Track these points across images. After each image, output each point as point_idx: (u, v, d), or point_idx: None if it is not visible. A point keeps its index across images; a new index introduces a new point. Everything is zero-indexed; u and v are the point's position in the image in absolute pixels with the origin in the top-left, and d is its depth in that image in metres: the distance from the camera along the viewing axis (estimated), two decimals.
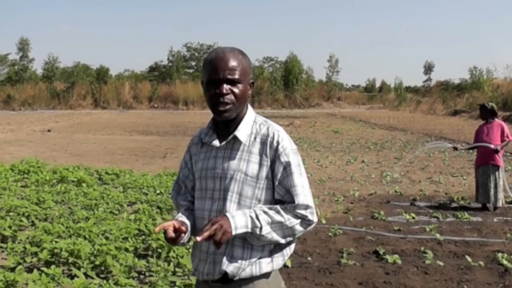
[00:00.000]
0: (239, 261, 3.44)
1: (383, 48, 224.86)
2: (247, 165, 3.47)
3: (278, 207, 3.43)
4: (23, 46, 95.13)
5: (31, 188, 14.67)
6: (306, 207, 3.47)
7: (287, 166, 3.45)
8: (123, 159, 23.60)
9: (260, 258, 3.47)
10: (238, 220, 3.30)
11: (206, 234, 3.17)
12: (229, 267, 3.44)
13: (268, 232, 3.37)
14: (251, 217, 3.35)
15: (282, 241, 3.45)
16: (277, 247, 3.54)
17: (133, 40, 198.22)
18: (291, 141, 3.56)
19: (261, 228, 3.35)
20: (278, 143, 3.47)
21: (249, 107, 3.67)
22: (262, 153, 3.47)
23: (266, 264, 3.50)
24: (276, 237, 3.41)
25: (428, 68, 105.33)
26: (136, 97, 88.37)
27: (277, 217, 3.39)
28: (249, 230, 3.33)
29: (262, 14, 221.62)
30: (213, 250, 3.50)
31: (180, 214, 3.71)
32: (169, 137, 35.53)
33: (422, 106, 79.05)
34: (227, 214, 3.32)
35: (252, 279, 3.48)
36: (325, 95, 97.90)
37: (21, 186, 15.29)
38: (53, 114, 69.04)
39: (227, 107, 3.47)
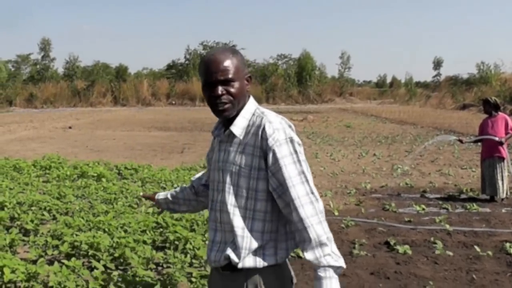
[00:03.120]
0: (240, 250, 3.45)
1: (394, 45, 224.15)
2: (241, 157, 3.46)
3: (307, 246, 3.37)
4: (45, 46, 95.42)
5: (52, 183, 14.71)
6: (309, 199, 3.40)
7: (279, 158, 3.37)
8: (142, 155, 23.62)
9: (263, 249, 3.48)
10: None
11: None
12: (231, 254, 3.47)
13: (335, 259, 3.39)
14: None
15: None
16: (280, 240, 3.54)
17: (151, 39, 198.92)
18: (286, 131, 3.45)
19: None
20: (268, 135, 3.39)
21: (251, 100, 3.64)
22: (255, 144, 3.43)
23: (269, 257, 3.49)
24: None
25: (437, 64, 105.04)
26: (154, 94, 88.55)
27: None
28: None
29: (276, 12, 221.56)
30: (218, 239, 3.58)
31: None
32: (187, 132, 35.52)
33: (432, 101, 78.95)
34: None
35: (257, 270, 3.48)
36: (337, 91, 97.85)
37: (43, 181, 15.31)
38: (74, 111, 69.28)
39: (225, 106, 3.48)
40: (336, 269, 3.34)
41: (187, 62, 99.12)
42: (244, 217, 3.47)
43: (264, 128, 3.40)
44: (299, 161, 3.41)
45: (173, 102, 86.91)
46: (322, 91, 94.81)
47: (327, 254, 3.33)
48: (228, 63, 3.46)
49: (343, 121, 45.35)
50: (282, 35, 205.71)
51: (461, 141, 14.69)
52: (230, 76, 3.44)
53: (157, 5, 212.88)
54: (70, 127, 40.06)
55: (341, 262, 3.37)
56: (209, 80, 3.47)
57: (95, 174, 15.84)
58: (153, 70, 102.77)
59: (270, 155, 3.37)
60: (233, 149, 3.50)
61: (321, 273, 3.32)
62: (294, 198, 3.35)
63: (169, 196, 4.41)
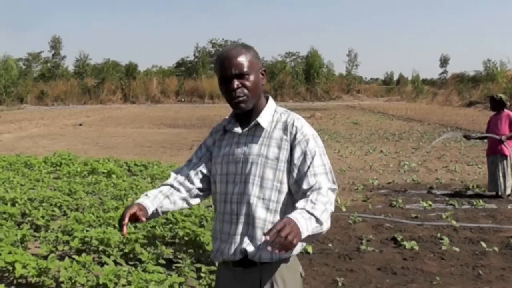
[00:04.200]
0: (259, 242, 3.46)
1: (401, 42, 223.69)
2: (267, 149, 3.50)
3: (312, 198, 3.27)
4: (55, 44, 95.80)
5: (63, 179, 14.74)
6: (331, 182, 3.42)
7: (307, 150, 3.45)
8: (151, 151, 23.68)
9: None
10: (303, 224, 3.09)
11: (274, 230, 2.93)
12: (248, 247, 3.47)
13: (325, 225, 3.26)
14: (315, 218, 3.19)
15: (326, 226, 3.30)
16: None
17: (160, 37, 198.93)
18: (311, 128, 3.58)
19: (322, 224, 3.22)
20: (297, 129, 3.49)
21: (271, 99, 3.71)
22: (282, 138, 3.51)
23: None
24: (327, 225, 3.30)
25: (444, 61, 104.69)
26: (163, 91, 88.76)
27: (321, 208, 3.23)
28: (311, 233, 3.16)
29: (284, 10, 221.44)
30: (234, 231, 3.55)
31: (150, 193, 3.71)
32: (196, 129, 35.57)
33: (438, 98, 78.77)
34: (292, 217, 3.08)
35: (271, 263, 3.49)
36: (345, 88, 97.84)
37: (54, 178, 15.35)
38: (84, 109, 69.47)
39: (241, 99, 3.51)
40: (319, 223, 3.19)
41: (196, 59, 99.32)
42: (267, 209, 3.49)
43: (293, 124, 3.53)
44: (324, 154, 3.51)
45: (182, 100, 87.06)
46: (329, 88, 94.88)
47: (320, 202, 3.25)
48: (242, 58, 3.52)
49: (351, 118, 45.32)
50: (290, 33, 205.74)
51: (466, 137, 14.63)
52: (244, 70, 3.50)
53: (167, 3, 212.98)
54: (80, 124, 40.18)
55: (327, 226, 3.26)
56: (225, 75, 3.53)
57: (105, 171, 15.88)
58: (162, 68, 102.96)
59: (298, 148, 3.46)
60: (259, 142, 3.56)
61: (297, 212, 3.17)
62: (313, 183, 3.37)
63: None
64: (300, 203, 3.25)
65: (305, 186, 3.40)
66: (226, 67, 3.52)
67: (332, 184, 3.44)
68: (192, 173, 3.80)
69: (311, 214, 3.16)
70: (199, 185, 3.79)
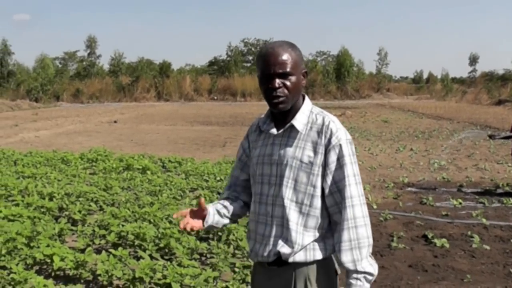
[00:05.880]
0: (293, 244, 3.41)
1: (430, 41, 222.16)
2: (302, 152, 3.41)
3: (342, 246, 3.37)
4: (91, 44, 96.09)
5: (99, 175, 14.84)
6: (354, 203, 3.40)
7: (340, 157, 3.38)
8: (185, 148, 23.74)
9: (313, 244, 3.44)
10: None
11: None
12: (282, 249, 3.42)
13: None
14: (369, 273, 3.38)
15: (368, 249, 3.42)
16: (329, 237, 3.50)
17: (193, 36, 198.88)
18: (346, 131, 3.47)
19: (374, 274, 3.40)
20: (332, 133, 3.38)
21: (307, 98, 3.59)
22: (317, 141, 3.40)
23: (319, 252, 3.45)
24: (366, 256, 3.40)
25: (473, 60, 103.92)
26: (196, 89, 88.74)
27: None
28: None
29: (315, 10, 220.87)
30: (269, 233, 3.50)
31: (213, 204, 3.79)
32: (228, 127, 35.58)
33: (468, 96, 78.14)
34: None
35: (306, 263, 3.45)
36: (375, 87, 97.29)
37: (90, 174, 15.47)
38: (119, 106, 69.69)
39: (281, 99, 3.40)
40: (369, 275, 3.35)
41: (228, 58, 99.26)
42: (299, 212, 3.43)
43: (328, 126, 3.41)
44: (355, 162, 3.45)
45: (215, 98, 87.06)
46: (360, 87, 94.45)
47: (364, 257, 3.35)
48: (287, 56, 3.40)
49: (381, 116, 45.08)
50: (321, 32, 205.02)
51: (491, 137, 14.50)
52: (288, 69, 3.39)
53: (200, 2, 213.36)
54: (115, 121, 40.34)
55: (375, 269, 3.39)
56: (267, 72, 3.41)
57: (140, 167, 15.95)
58: (195, 66, 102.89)
59: (332, 153, 3.38)
60: (293, 144, 3.46)
61: (353, 280, 3.34)
62: (347, 197, 3.36)
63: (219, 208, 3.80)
64: (346, 258, 3.36)
65: (341, 214, 3.39)
66: (269, 64, 3.40)
67: (361, 197, 3.42)
68: (239, 174, 3.86)
69: (365, 273, 3.36)
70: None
